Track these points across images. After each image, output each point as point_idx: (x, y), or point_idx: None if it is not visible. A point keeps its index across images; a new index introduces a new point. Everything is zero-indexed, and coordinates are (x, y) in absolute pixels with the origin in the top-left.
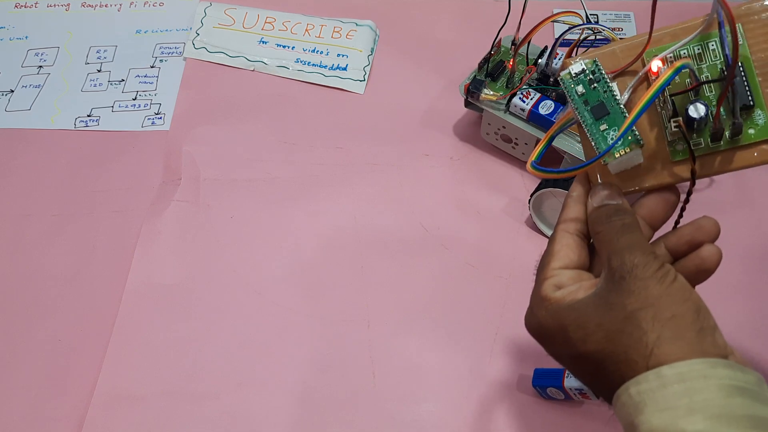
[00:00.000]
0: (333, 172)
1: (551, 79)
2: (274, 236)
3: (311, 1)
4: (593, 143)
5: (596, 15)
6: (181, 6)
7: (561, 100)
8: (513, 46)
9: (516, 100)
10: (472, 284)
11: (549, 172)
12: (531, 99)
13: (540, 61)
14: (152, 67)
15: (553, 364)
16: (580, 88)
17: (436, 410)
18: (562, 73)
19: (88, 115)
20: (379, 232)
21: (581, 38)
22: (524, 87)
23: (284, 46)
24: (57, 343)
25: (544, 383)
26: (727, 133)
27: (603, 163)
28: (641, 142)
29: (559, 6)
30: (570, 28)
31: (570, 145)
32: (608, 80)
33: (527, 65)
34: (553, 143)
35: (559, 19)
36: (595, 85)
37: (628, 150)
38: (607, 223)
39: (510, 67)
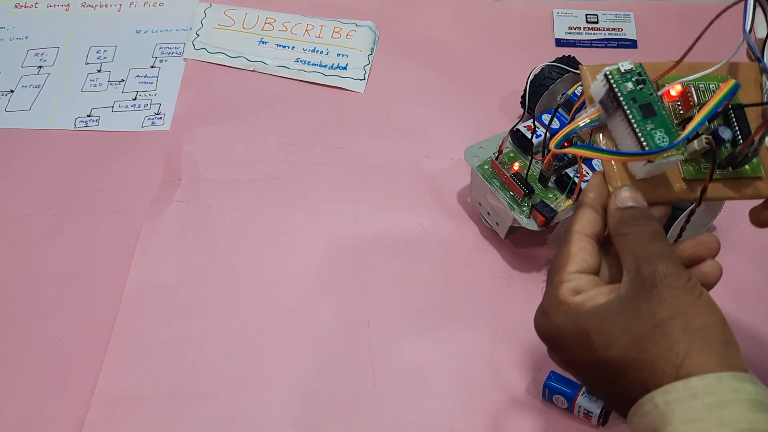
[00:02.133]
0: (333, 172)
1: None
2: (274, 236)
3: (311, 2)
4: (642, 140)
5: (596, 15)
6: (181, 6)
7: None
8: (499, 154)
9: (584, 185)
10: (472, 285)
11: (579, 147)
12: (589, 173)
13: (535, 140)
14: (152, 67)
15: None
16: (629, 85)
17: (436, 410)
18: (610, 68)
19: (88, 115)
20: (379, 233)
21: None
22: (574, 169)
23: (284, 46)
24: (57, 343)
25: (556, 388)
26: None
27: (644, 163)
28: (683, 149)
29: (559, 6)
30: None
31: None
32: (652, 84)
33: (544, 156)
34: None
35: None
36: (642, 86)
37: (677, 152)
38: (636, 226)
39: (517, 170)
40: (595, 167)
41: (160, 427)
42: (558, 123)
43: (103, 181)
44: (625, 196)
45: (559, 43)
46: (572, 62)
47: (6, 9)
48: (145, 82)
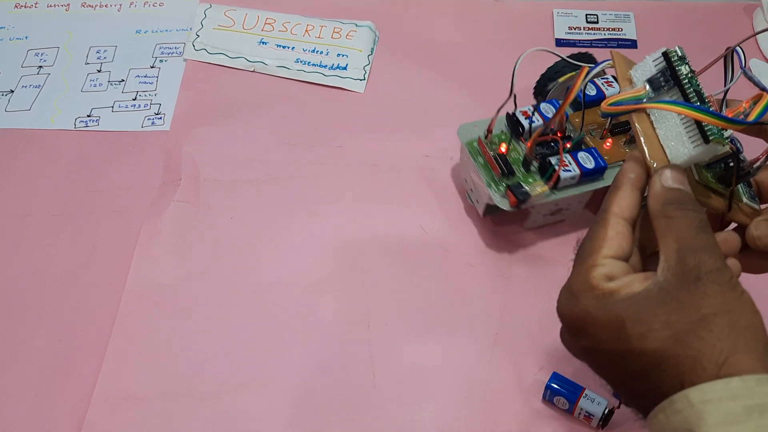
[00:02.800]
0: (333, 172)
1: (566, 134)
2: (274, 237)
3: (311, 2)
4: (705, 118)
5: (596, 15)
6: (181, 6)
7: (577, 146)
8: (489, 134)
9: (563, 174)
10: (472, 284)
11: (660, 102)
12: (571, 164)
13: (533, 125)
14: (152, 67)
15: (567, 365)
16: (687, 68)
17: (436, 410)
18: (668, 49)
19: (88, 115)
20: (379, 233)
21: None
22: (555, 158)
23: (284, 47)
24: (57, 343)
25: (558, 390)
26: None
27: (694, 145)
28: (727, 141)
29: (559, 6)
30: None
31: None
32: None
33: (528, 140)
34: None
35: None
36: (692, 74)
37: (725, 142)
38: (683, 211)
39: (504, 152)
40: (580, 160)
41: (160, 427)
42: (552, 109)
43: (103, 181)
44: (673, 177)
45: (559, 43)
46: (588, 59)
47: (6, 9)
48: (145, 82)
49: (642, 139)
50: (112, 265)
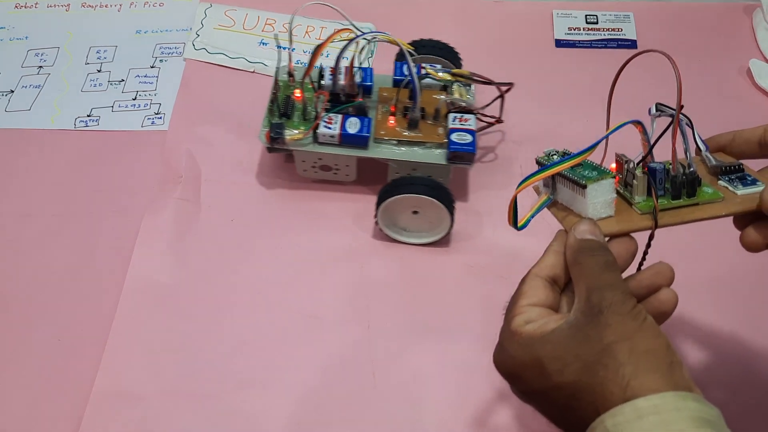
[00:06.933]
0: None
1: (342, 97)
2: (273, 237)
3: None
4: (576, 173)
5: (596, 15)
6: (181, 6)
7: (361, 113)
8: (291, 77)
9: (322, 129)
10: (473, 284)
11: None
12: (336, 123)
13: (323, 82)
14: (152, 67)
15: None
16: (555, 157)
17: (436, 411)
18: (539, 157)
19: (88, 115)
20: (378, 232)
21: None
22: (324, 114)
23: (284, 48)
24: (56, 343)
25: None
26: (684, 191)
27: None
28: (610, 174)
29: (558, 6)
30: (345, 47)
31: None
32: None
33: (315, 92)
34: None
35: (335, 39)
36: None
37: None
38: (591, 257)
39: (299, 99)
40: (347, 123)
41: (159, 427)
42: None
43: (103, 181)
44: (584, 229)
45: (559, 43)
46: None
47: (6, 9)
48: (145, 82)
49: (560, 220)
50: (111, 265)
